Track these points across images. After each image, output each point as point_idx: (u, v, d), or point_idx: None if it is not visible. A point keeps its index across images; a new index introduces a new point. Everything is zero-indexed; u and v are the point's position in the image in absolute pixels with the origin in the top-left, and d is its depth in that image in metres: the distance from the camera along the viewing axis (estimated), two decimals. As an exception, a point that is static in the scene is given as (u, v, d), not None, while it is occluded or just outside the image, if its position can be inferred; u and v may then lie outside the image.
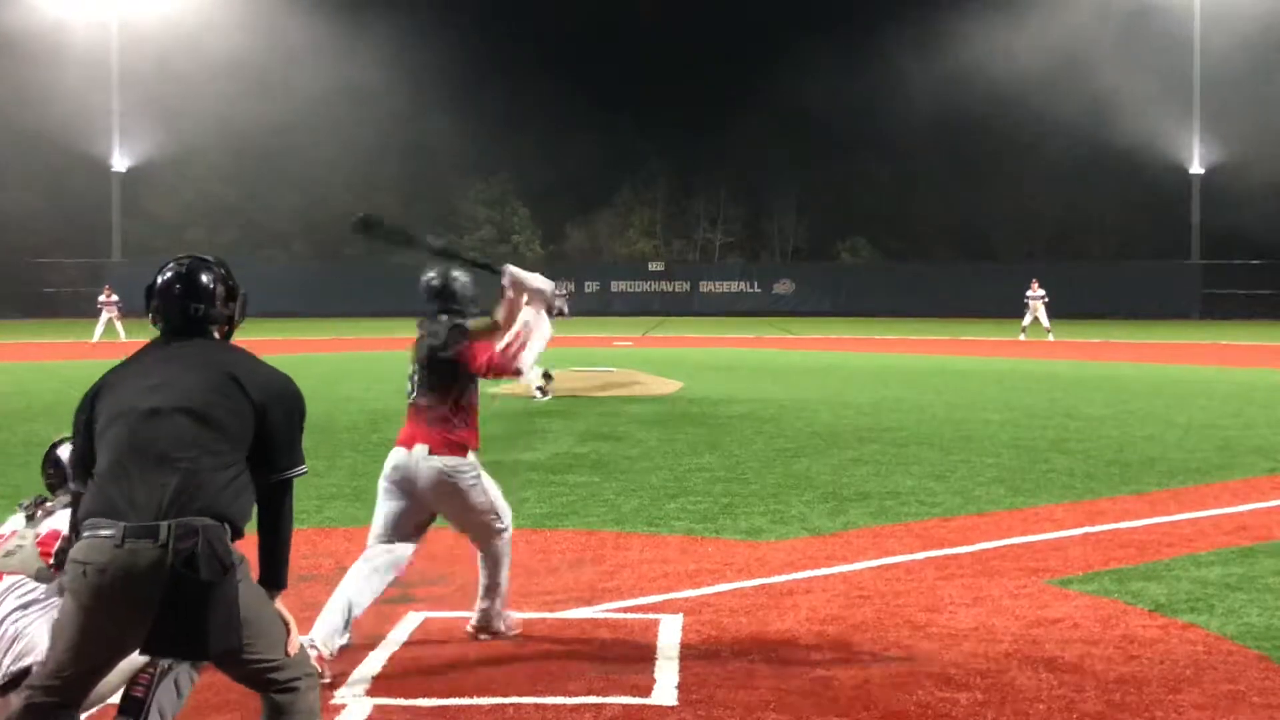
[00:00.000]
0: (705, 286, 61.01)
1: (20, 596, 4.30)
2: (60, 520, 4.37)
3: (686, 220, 77.56)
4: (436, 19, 66.11)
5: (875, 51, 66.47)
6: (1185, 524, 8.58)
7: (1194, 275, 56.19)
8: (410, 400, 5.88)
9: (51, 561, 4.34)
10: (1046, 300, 36.87)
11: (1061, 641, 5.75)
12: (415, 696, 5.00)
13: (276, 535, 3.81)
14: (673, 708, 4.89)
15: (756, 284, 60.46)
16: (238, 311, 3.97)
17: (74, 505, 3.71)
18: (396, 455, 5.75)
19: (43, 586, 4.33)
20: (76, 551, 3.55)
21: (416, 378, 5.89)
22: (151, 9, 56.50)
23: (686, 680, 5.19)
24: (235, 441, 3.67)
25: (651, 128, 73.26)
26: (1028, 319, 36.82)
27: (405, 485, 5.70)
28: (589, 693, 5.03)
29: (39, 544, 4.43)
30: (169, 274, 3.90)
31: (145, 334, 3.92)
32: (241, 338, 4.03)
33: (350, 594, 5.48)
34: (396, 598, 6.50)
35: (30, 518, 4.61)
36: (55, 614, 3.76)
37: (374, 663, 5.42)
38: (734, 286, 60.78)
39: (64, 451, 4.73)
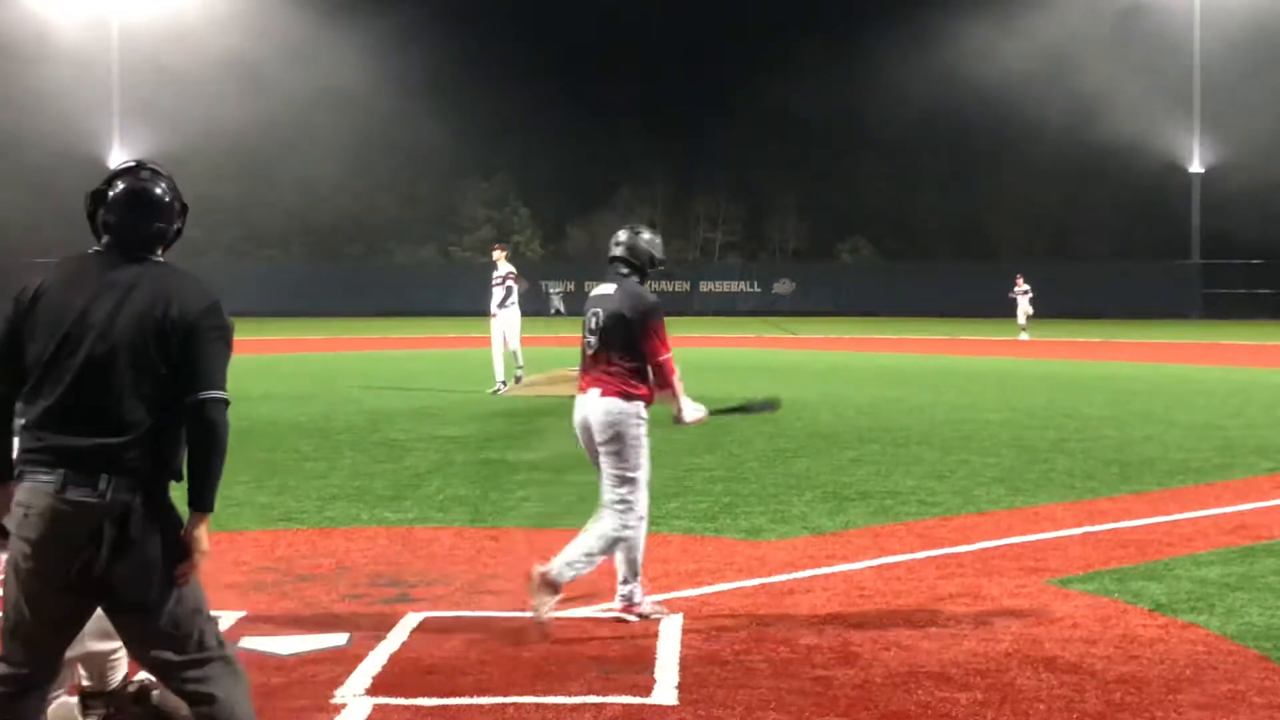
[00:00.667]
0: (705, 286, 61.01)
1: None
2: None
3: (686, 220, 77.56)
4: (436, 19, 66.09)
5: (876, 51, 66.44)
6: (1185, 523, 8.58)
7: (1194, 275, 56.16)
8: (590, 352, 6.28)
9: None
10: (1031, 296, 36.75)
11: (1061, 641, 5.74)
12: (415, 696, 4.99)
13: (214, 463, 3.67)
14: (673, 707, 4.89)
15: (756, 284, 60.45)
16: (183, 226, 3.87)
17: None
18: (577, 402, 6.29)
19: None
20: (19, 494, 3.55)
21: (598, 331, 6.25)
22: (150, 9, 56.48)
23: (686, 680, 5.19)
24: (170, 377, 3.60)
25: (652, 127, 73.25)
26: (1022, 318, 36.71)
27: (585, 428, 6.21)
28: (589, 692, 5.02)
29: None
30: (126, 184, 3.76)
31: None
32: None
33: (627, 548, 6.13)
34: (396, 598, 6.51)
35: None
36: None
37: (374, 662, 5.42)
38: (734, 286, 60.79)
39: None
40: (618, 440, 6.13)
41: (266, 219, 66.52)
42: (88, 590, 3.56)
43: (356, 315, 50.31)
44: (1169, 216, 60.63)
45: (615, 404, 6.12)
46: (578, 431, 6.31)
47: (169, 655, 3.61)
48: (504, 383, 18.48)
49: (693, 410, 6.38)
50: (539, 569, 6.01)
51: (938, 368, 24.80)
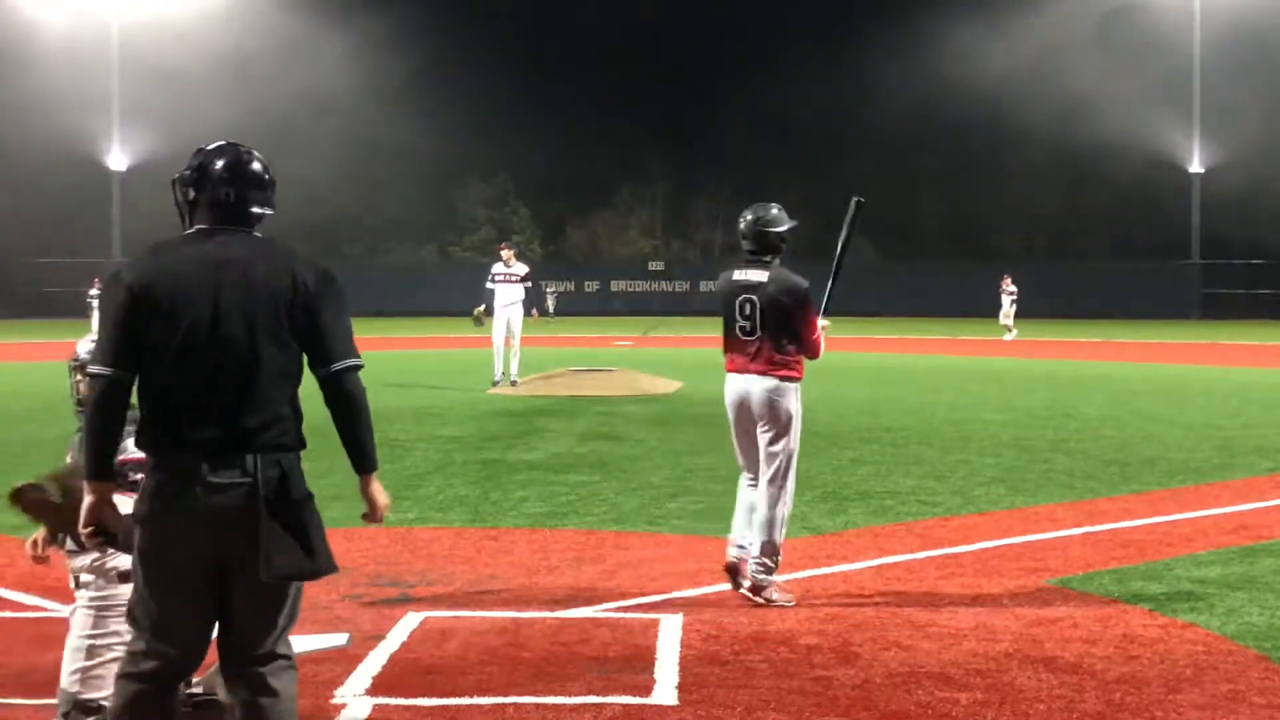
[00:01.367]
0: (705, 286, 61.01)
1: None
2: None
3: (686, 220, 77.54)
4: (436, 19, 66.12)
5: (876, 52, 66.39)
6: (1185, 523, 8.58)
7: (1194, 275, 56.17)
8: (744, 338, 6.64)
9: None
10: (1015, 298, 36.66)
11: (1061, 641, 5.75)
12: (415, 696, 4.99)
13: (364, 427, 3.78)
14: (673, 707, 4.89)
15: (756, 284, 60.35)
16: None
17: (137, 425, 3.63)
18: (730, 380, 6.70)
19: None
20: (152, 481, 3.54)
21: (754, 316, 6.62)
22: (151, 8, 56.48)
23: (686, 680, 5.19)
24: (298, 350, 3.66)
25: (652, 127, 73.27)
26: (1008, 318, 36.55)
27: (741, 403, 6.62)
28: (589, 692, 5.02)
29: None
30: (229, 159, 3.72)
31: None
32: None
33: (771, 518, 6.49)
34: (396, 598, 6.51)
35: None
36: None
37: (374, 663, 5.42)
38: (734, 287, 60.76)
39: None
40: (777, 419, 6.58)
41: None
42: (231, 571, 3.55)
43: (356, 315, 50.12)
44: (1168, 217, 60.66)
45: (775, 384, 6.56)
46: (730, 409, 6.73)
47: (265, 642, 3.63)
48: (504, 376, 18.56)
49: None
50: (751, 583, 6.42)
51: (937, 368, 24.81)
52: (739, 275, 6.81)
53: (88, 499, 3.59)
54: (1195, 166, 58.39)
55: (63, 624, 4.68)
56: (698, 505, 9.18)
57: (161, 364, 3.54)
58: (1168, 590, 6.68)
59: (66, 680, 4.36)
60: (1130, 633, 5.88)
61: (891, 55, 65.50)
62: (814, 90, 66.05)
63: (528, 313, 19.27)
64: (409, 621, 6.05)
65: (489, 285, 19.19)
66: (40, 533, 4.50)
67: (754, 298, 6.64)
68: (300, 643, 5.62)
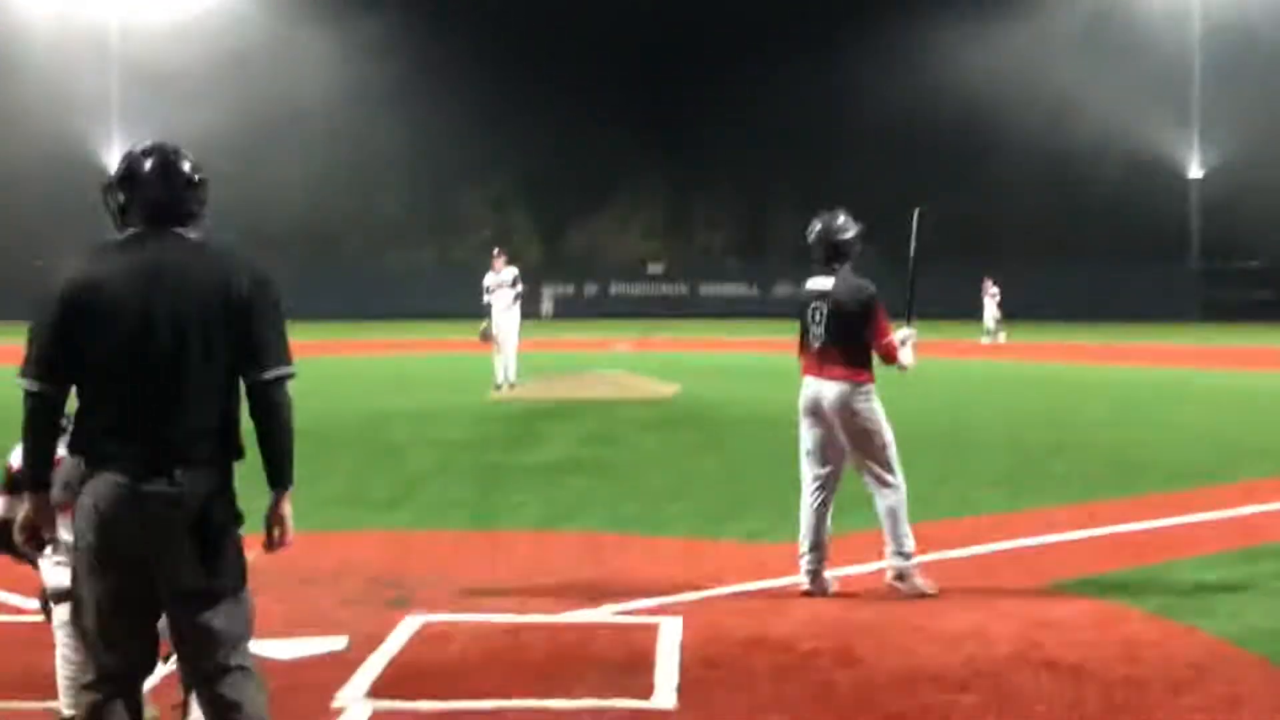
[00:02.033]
0: (705, 289, 61.01)
1: None
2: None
3: (686, 222, 77.54)
4: (438, 19, 66.10)
5: (877, 52, 66.39)
6: (1185, 526, 8.58)
7: (1193, 278, 56.17)
8: (818, 345, 6.83)
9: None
10: (999, 300, 36.42)
11: (1062, 644, 5.73)
12: (414, 700, 4.98)
13: (286, 440, 3.68)
14: (673, 710, 4.88)
15: (756, 286, 60.42)
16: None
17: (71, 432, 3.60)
18: (805, 383, 6.86)
19: None
20: (87, 493, 3.52)
21: (823, 323, 6.81)
22: (151, 8, 56.52)
23: (687, 683, 5.18)
24: (233, 358, 3.58)
25: (652, 129, 73.24)
26: (992, 322, 36.03)
27: (814, 407, 6.77)
28: (589, 696, 5.01)
29: None
30: (157, 160, 3.69)
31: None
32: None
33: (893, 509, 6.76)
34: (395, 601, 6.49)
35: None
36: None
37: (373, 666, 5.40)
38: (734, 289, 60.76)
39: None
40: (853, 422, 6.72)
41: (265, 220, 66.49)
42: (164, 581, 3.53)
43: (355, 318, 50.27)
44: (1168, 220, 60.65)
45: (848, 389, 6.71)
46: (803, 413, 6.88)
47: (217, 656, 3.56)
48: (505, 382, 18.55)
49: (908, 354, 6.98)
50: (893, 580, 6.71)
51: (936, 370, 24.75)
52: (811, 284, 7.09)
53: (25, 507, 3.64)
54: (1195, 170, 58.42)
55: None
56: (698, 508, 9.17)
57: (91, 375, 3.52)
58: (1168, 593, 6.66)
59: (63, 700, 4.37)
60: (1131, 635, 5.87)
61: (893, 56, 65.51)
62: (815, 91, 66.02)
63: (526, 314, 19.27)
64: (408, 625, 6.03)
65: (485, 299, 19.16)
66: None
67: (823, 305, 6.87)
68: (298, 647, 5.63)
